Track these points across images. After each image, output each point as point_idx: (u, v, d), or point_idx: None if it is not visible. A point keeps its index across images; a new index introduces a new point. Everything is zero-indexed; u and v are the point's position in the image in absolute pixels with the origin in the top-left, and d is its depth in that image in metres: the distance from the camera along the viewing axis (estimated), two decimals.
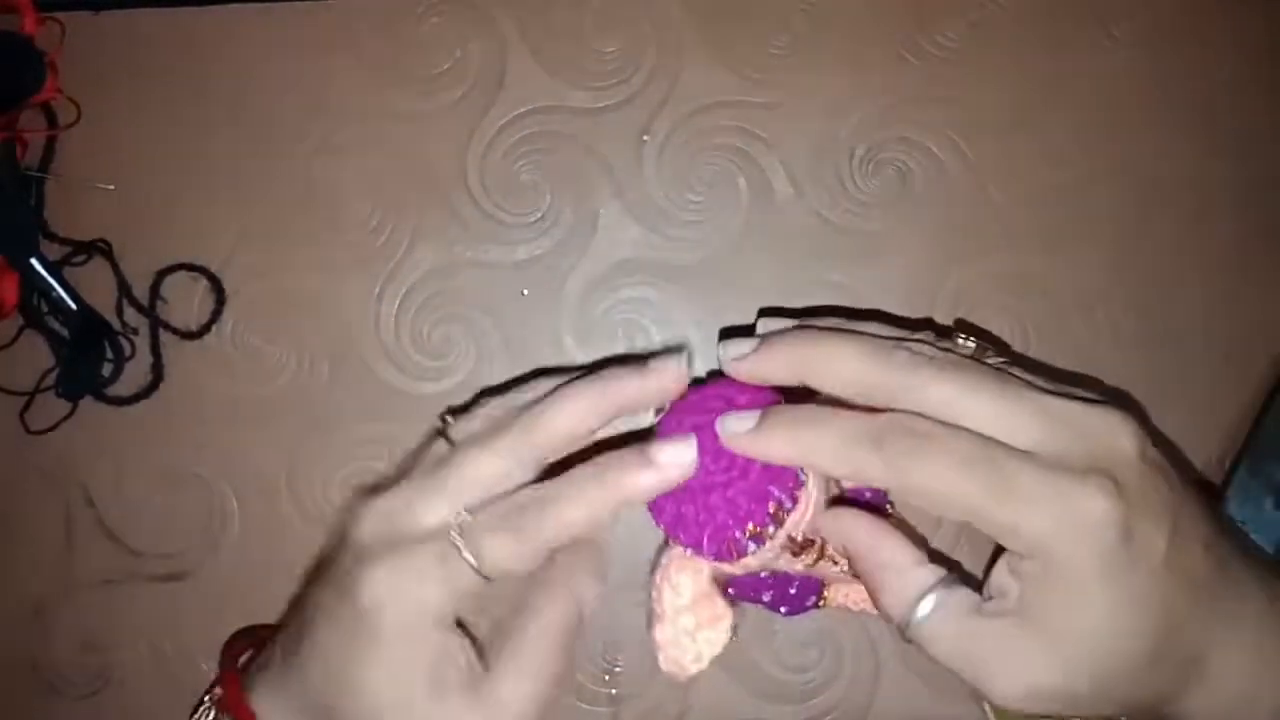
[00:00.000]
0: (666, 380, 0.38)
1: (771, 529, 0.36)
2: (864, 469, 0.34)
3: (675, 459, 0.36)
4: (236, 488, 0.50)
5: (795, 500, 0.36)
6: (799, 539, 0.37)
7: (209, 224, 0.51)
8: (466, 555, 0.35)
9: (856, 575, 0.38)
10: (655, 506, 0.38)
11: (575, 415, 0.36)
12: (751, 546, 0.36)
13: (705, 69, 0.50)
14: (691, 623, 0.37)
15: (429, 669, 0.35)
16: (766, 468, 0.36)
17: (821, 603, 0.42)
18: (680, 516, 0.37)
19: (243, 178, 0.51)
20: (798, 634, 0.49)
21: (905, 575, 0.35)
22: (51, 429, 0.50)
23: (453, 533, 0.35)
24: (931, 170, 0.50)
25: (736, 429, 0.36)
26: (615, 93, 0.51)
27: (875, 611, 0.37)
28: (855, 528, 0.36)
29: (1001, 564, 0.34)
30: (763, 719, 0.49)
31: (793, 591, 0.42)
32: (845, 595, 0.42)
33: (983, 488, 0.32)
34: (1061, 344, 0.50)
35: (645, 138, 0.50)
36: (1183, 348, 0.50)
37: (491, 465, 0.36)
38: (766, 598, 0.42)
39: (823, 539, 0.38)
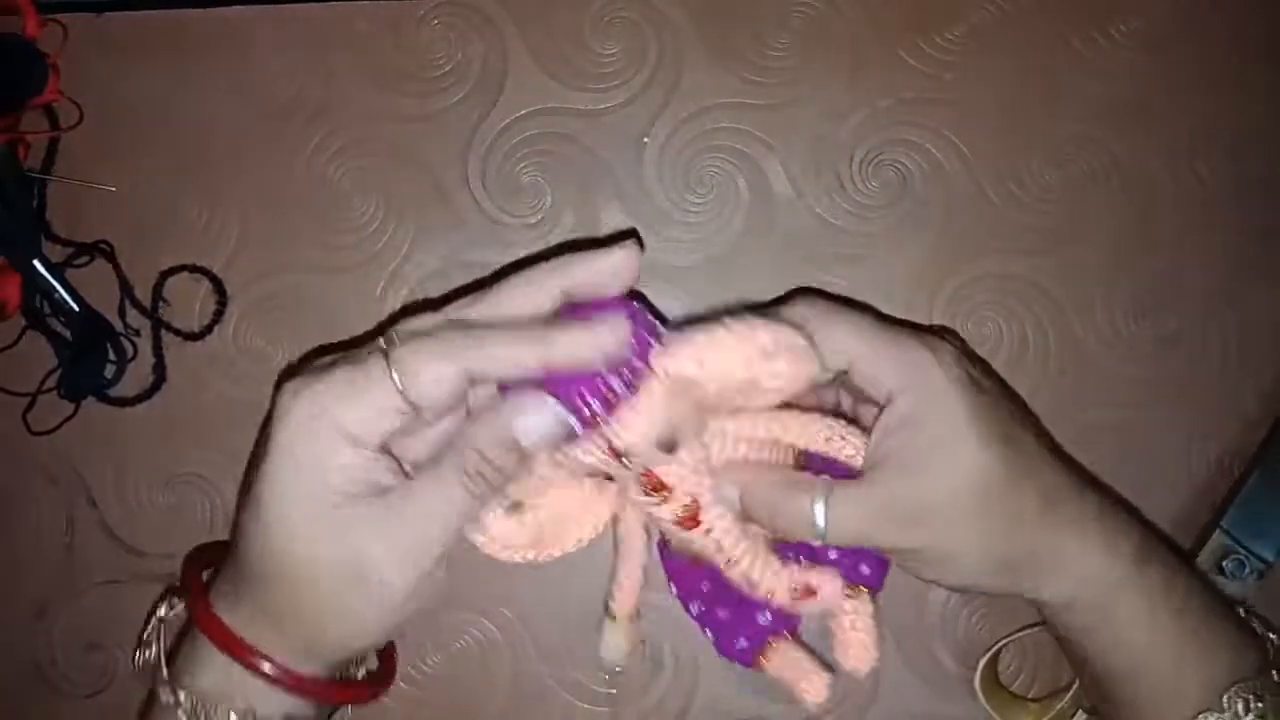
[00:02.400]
0: (617, 262, 0.37)
1: (599, 407, 0.35)
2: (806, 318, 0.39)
3: (609, 329, 0.35)
4: (238, 488, 0.50)
5: (632, 391, 0.35)
6: (621, 446, 0.37)
7: (211, 226, 0.51)
8: (393, 374, 0.34)
9: (731, 561, 0.39)
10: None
11: (512, 352, 0.35)
12: (573, 420, 0.36)
13: (705, 71, 0.50)
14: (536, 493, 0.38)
15: (339, 481, 0.34)
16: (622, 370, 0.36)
17: (759, 659, 0.41)
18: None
19: (245, 179, 0.51)
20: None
21: (795, 492, 0.39)
22: (54, 430, 0.50)
23: (380, 344, 0.35)
24: (931, 171, 0.50)
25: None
26: (616, 95, 0.51)
27: (807, 696, 0.40)
28: (744, 470, 0.40)
29: (872, 441, 0.39)
30: (763, 718, 0.49)
31: (722, 616, 0.41)
32: (786, 670, 0.41)
33: (867, 346, 0.39)
34: (1061, 344, 0.50)
35: (646, 139, 0.51)
36: (1182, 348, 0.50)
37: (421, 365, 0.35)
38: (694, 609, 0.42)
39: (695, 500, 0.38)
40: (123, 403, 0.50)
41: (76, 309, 0.50)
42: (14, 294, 0.49)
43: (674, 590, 0.44)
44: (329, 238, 0.51)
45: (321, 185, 0.51)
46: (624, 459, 0.37)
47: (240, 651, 0.36)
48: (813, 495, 0.38)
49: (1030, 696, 0.49)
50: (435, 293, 0.50)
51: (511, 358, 0.35)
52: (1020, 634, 0.48)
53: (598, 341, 0.35)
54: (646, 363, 0.36)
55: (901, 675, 0.49)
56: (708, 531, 0.39)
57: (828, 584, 0.39)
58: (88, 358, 0.50)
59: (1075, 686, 0.46)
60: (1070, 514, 0.39)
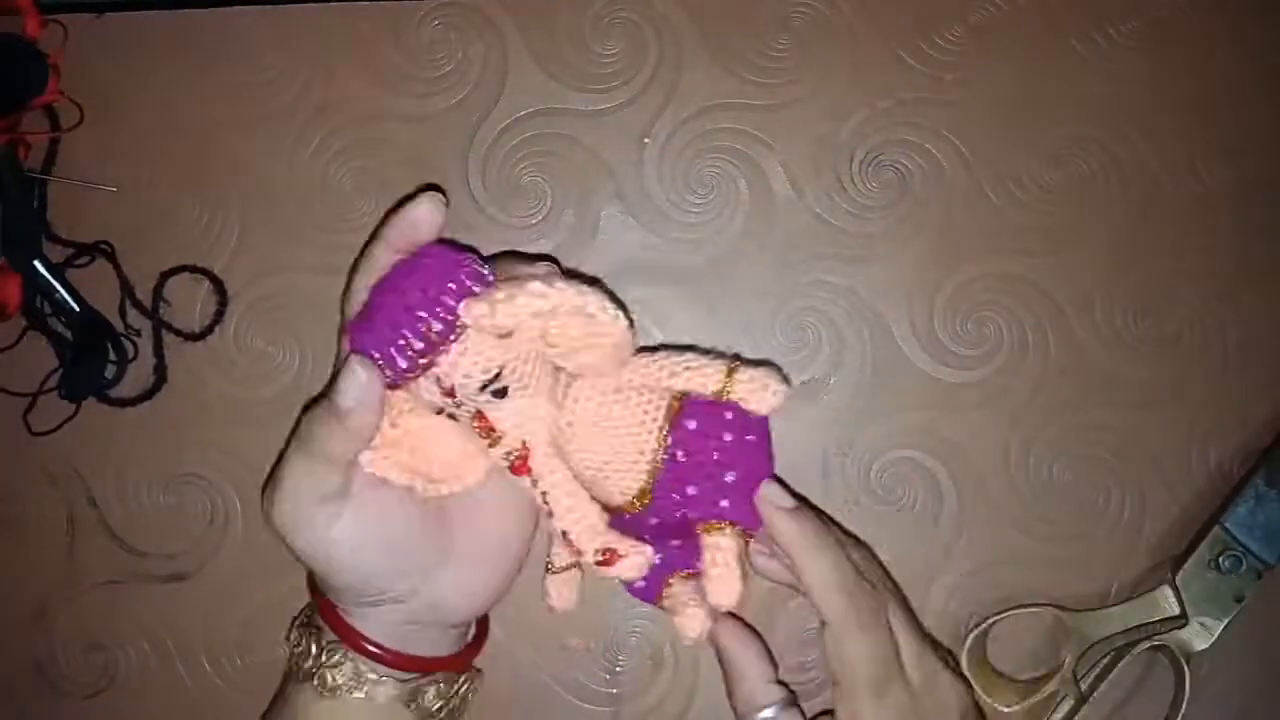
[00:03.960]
0: (417, 216, 0.39)
1: (419, 345, 0.37)
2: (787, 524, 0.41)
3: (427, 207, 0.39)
4: (239, 488, 0.50)
5: (450, 329, 0.37)
6: (448, 384, 0.38)
7: (212, 226, 0.51)
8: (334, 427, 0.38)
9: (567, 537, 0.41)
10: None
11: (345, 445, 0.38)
12: (400, 361, 0.37)
13: (705, 71, 0.50)
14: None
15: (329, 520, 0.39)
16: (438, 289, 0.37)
17: (661, 601, 0.43)
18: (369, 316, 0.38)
19: (245, 179, 0.51)
20: (798, 634, 0.49)
21: (758, 686, 0.42)
22: (54, 430, 0.50)
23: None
24: (931, 172, 0.50)
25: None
26: (616, 95, 0.51)
27: (685, 630, 0.42)
28: (732, 637, 0.43)
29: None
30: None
31: (657, 560, 0.42)
32: (682, 605, 0.42)
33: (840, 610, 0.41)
34: (1061, 344, 0.50)
35: (646, 140, 0.51)
36: (1182, 348, 0.50)
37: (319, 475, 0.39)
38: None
39: (525, 447, 0.40)
40: (123, 403, 0.50)
41: (77, 309, 0.50)
42: (14, 294, 0.49)
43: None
44: (329, 238, 0.51)
45: (321, 185, 0.51)
46: (455, 399, 0.38)
47: (355, 641, 0.40)
48: (768, 700, 0.42)
49: (1022, 679, 0.49)
50: None
51: (346, 448, 0.38)
52: (1008, 614, 0.48)
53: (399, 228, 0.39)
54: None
55: None
56: (535, 481, 0.40)
57: (633, 556, 0.41)
58: (88, 358, 0.50)
59: (1064, 668, 0.46)
60: None
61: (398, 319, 0.37)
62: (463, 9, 0.51)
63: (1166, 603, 0.48)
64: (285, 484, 0.39)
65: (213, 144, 0.51)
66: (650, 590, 0.43)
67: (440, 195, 0.40)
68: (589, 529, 0.41)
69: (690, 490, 0.41)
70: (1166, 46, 0.51)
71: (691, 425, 0.41)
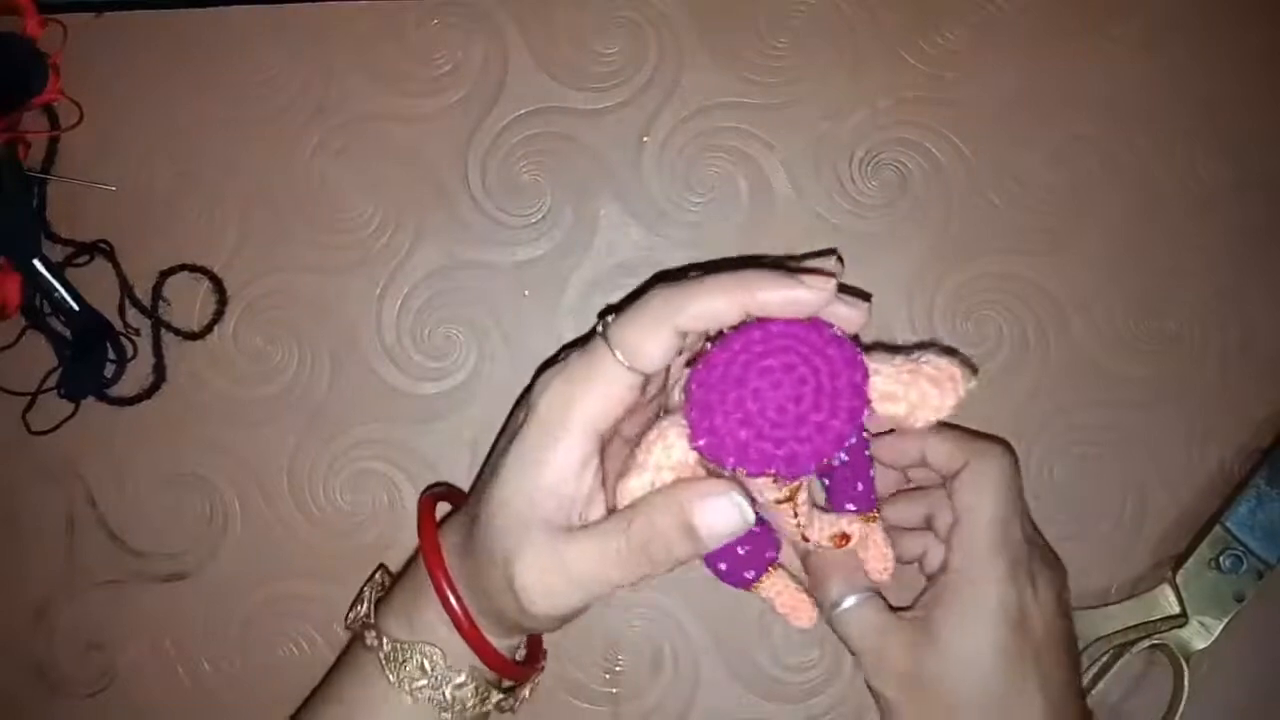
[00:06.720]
0: (809, 293, 0.36)
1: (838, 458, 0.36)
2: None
3: (816, 284, 0.36)
4: (238, 488, 0.50)
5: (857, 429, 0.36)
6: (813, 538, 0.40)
7: (211, 225, 0.51)
8: (616, 353, 0.36)
9: (806, 538, 0.40)
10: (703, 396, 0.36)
11: (713, 301, 0.36)
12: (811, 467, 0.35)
13: (705, 70, 0.50)
14: (670, 479, 0.37)
15: (558, 471, 0.37)
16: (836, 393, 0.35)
17: (755, 584, 0.43)
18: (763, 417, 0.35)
19: (244, 179, 0.51)
20: (798, 634, 0.49)
21: (849, 576, 0.43)
22: (54, 429, 0.50)
23: (598, 330, 0.37)
24: (931, 171, 0.50)
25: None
26: (616, 94, 0.51)
27: (797, 622, 0.43)
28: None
29: (926, 595, 0.43)
30: (763, 719, 0.49)
31: (741, 552, 0.42)
32: (778, 592, 0.43)
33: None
34: (1061, 344, 0.50)
35: (645, 139, 0.51)
36: (1182, 348, 0.50)
37: (635, 335, 0.37)
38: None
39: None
40: (123, 403, 0.50)
41: (76, 309, 0.50)
42: (14, 294, 0.49)
43: None
44: (329, 238, 0.51)
45: (321, 185, 0.51)
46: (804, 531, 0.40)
47: (440, 583, 0.39)
48: (855, 588, 0.42)
49: None
50: (435, 293, 0.50)
51: (712, 310, 0.36)
52: None
53: (798, 295, 0.35)
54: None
55: None
56: (795, 513, 0.40)
57: (855, 528, 0.42)
58: (87, 357, 0.50)
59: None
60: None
61: (824, 431, 0.35)
62: (462, 8, 0.51)
63: (1166, 602, 0.48)
64: (575, 369, 0.38)
65: (212, 144, 0.51)
66: (751, 581, 0.44)
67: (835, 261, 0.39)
68: (820, 528, 0.41)
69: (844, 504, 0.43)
70: (1166, 46, 0.51)
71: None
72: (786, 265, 0.39)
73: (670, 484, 0.37)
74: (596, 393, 0.37)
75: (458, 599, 0.39)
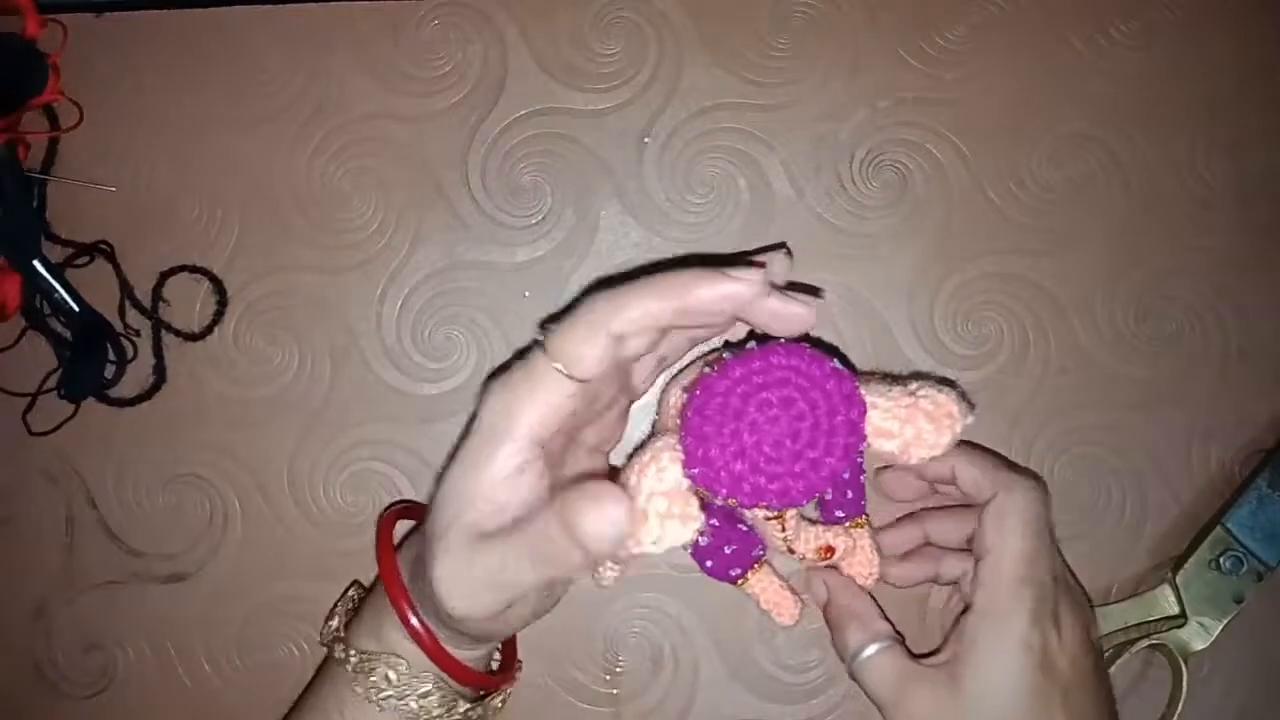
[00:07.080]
0: (741, 286, 0.35)
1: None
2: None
3: (745, 276, 0.35)
4: (238, 488, 0.50)
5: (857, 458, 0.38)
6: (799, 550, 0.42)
7: (211, 226, 0.51)
8: (553, 362, 0.36)
9: (793, 550, 0.42)
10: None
11: (647, 304, 0.36)
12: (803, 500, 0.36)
13: (706, 71, 0.50)
14: (664, 506, 0.36)
15: (490, 478, 0.37)
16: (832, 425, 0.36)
17: (741, 581, 0.45)
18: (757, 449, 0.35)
19: (244, 179, 0.51)
20: (798, 634, 0.49)
21: (868, 624, 0.44)
22: (54, 430, 0.50)
23: (536, 340, 0.37)
24: (931, 171, 0.50)
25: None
26: (616, 95, 0.51)
27: (780, 619, 0.46)
28: (841, 586, 0.46)
29: (950, 637, 0.43)
30: (763, 719, 0.49)
31: (728, 551, 0.43)
32: (762, 589, 0.45)
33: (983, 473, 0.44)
34: (1061, 344, 0.50)
35: (646, 139, 0.51)
36: (1182, 348, 0.50)
37: (571, 343, 0.36)
38: (702, 539, 0.42)
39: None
40: (123, 403, 0.50)
41: (76, 309, 0.50)
42: (14, 294, 0.49)
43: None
44: (329, 238, 0.51)
45: (321, 185, 0.51)
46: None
47: (396, 596, 0.40)
48: (876, 636, 0.43)
49: None
50: (435, 293, 0.50)
51: (647, 313, 0.36)
52: None
53: (730, 289, 0.35)
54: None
55: None
56: (783, 528, 0.42)
57: (840, 541, 0.44)
58: (87, 358, 0.50)
59: None
60: None
61: (818, 465, 0.35)
62: (462, 9, 0.51)
63: (1166, 602, 0.48)
64: (515, 380, 0.37)
65: (212, 144, 0.51)
66: (737, 577, 0.46)
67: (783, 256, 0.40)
68: (806, 539, 0.43)
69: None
70: (1166, 46, 0.51)
71: None
72: (730, 262, 0.38)
73: (567, 489, 0.36)
74: (535, 401, 0.37)
75: (414, 611, 0.40)
